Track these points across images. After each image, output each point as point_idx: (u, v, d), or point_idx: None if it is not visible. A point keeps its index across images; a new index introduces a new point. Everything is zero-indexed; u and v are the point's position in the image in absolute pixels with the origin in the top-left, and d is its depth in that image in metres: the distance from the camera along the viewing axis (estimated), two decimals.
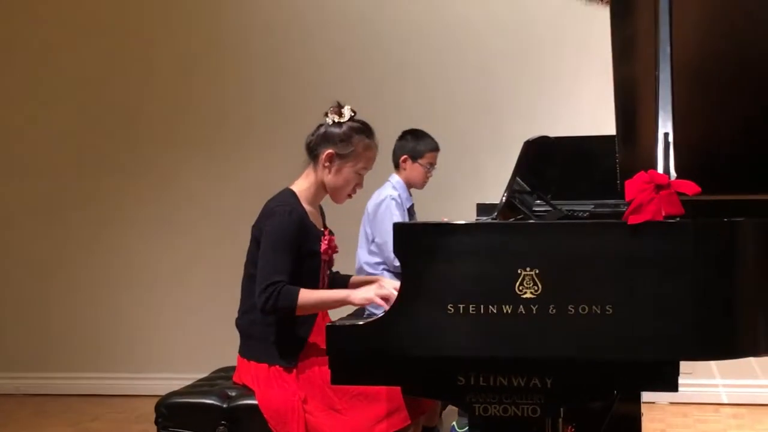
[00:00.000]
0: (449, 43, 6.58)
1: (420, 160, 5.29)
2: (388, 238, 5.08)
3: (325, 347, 3.45)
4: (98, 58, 7.02)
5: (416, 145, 5.30)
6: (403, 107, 6.41)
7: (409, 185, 5.34)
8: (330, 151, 3.67)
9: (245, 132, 6.83)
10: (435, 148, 5.35)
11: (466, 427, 5.14)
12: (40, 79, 7.09)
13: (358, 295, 3.51)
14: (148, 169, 6.95)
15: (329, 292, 3.69)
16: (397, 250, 2.91)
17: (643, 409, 4.42)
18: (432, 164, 5.34)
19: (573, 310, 2.76)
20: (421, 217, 5.45)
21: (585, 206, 4.30)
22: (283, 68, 6.78)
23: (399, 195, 5.23)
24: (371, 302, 3.47)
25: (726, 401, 6.22)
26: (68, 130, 7.05)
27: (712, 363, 6.06)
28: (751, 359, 5.91)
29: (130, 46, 7.00)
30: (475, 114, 6.51)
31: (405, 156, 5.29)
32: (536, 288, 2.77)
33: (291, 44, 6.79)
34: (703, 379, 6.06)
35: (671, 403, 6.17)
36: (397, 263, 4.92)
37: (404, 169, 5.31)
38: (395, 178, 5.32)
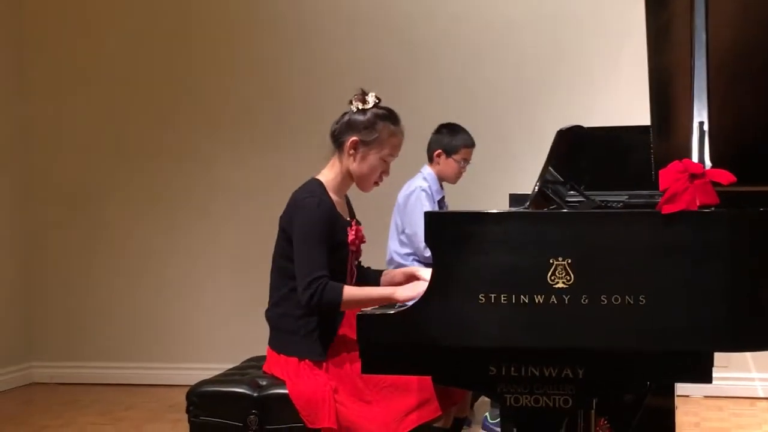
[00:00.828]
0: (485, 33, 6.56)
1: (454, 156, 5.27)
2: (417, 229, 5.08)
3: (353, 338, 3.47)
4: (137, 42, 7.05)
5: (451, 140, 5.27)
6: (438, 98, 6.40)
7: (442, 179, 5.32)
8: (354, 138, 3.65)
9: (277, 122, 6.84)
10: (470, 144, 5.31)
11: (499, 419, 5.12)
12: (76, 63, 7.13)
13: (404, 292, 3.45)
14: (186, 160, 6.98)
15: (374, 289, 3.66)
16: (429, 239, 2.89)
17: (677, 402, 4.39)
18: (466, 160, 5.31)
19: (605, 300, 2.73)
20: (454, 207, 5.43)
21: (618, 197, 4.26)
22: (318, 60, 6.77)
23: (429, 186, 5.21)
24: (416, 297, 3.42)
25: (762, 395, 6.17)
26: (104, 118, 7.09)
27: (748, 356, 6.02)
28: None
29: (171, 33, 7.03)
30: (509, 104, 6.49)
31: (439, 150, 5.27)
32: (569, 278, 2.75)
33: (326, 36, 6.79)
34: (738, 373, 6.01)
35: (706, 396, 6.12)
36: (427, 253, 4.92)
37: (437, 164, 5.28)
38: (427, 170, 5.30)
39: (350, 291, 3.50)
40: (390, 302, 3.51)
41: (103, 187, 7.10)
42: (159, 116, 7.03)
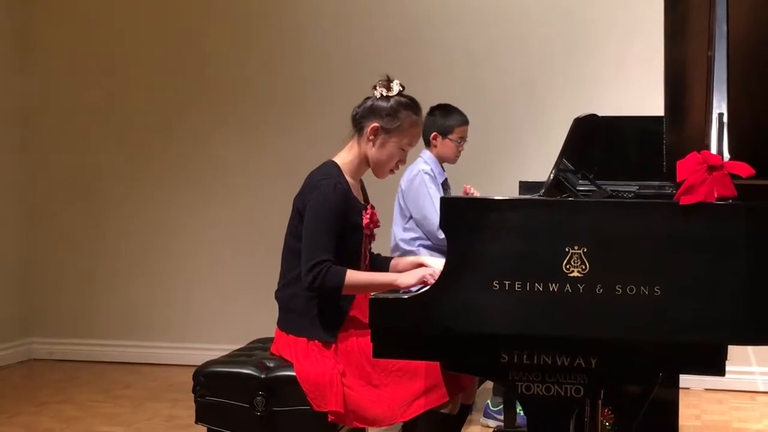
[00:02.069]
0: (496, 21, 6.54)
1: (450, 136, 5.24)
2: (426, 212, 5.05)
3: (363, 321, 3.46)
4: (142, 26, 7.03)
5: (445, 121, 5.25)
6: (448, 84, 6.38)
7: (442, 160, 5.29)
8: (376, 124, 3.63)
9: (287, 103, 6.82)
10: (464, 122, 5.29)
11: (500, 406, 5.12)
12: (80, 46, 7.10)
13: (406, 279, 3.48)
14: (190, 141, 6.96)
15: (377, 274, 3.67)
16: (444, 224, 2.87)
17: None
18: (463, 138, 5.28)
19: (620, 291, 2.72)
20: (462, 194, 5.41)
21: (629, 187, 4.25)
22: (330, 46, 6.75)
23: (432, 169, 5.19)
24: (422, 282, 3.41)
25: (762, 389, 6.18)
26: (109, 104, 7.07)
27: (749, 349, 6.03)
28: None
29: (179, 17, 7.01)
30: (518, 95, 6.47)
31: (435, 133, 5.24)
32: (584, 267, 2.73)
33: (336, 20, 6.77)
34: (739, 366, 6.02)
35: (707, 389, 6.13)
36: (441, 235, 4.89)
37: (435, 146, 5.26)
38: (426, 154, 5.27)
39: (353, 276, 3.49)
40: (392, 288, 3.54)
41: (107, 167, 7.09)
42: (163, 99, 7.00)
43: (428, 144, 5.28)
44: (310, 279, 3.46)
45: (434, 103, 5.23)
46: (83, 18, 7.12)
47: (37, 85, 7.16)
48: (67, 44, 7.13)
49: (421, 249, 5.10)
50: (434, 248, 5.05)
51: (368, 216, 3.66)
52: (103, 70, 7.07)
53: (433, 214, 4.99)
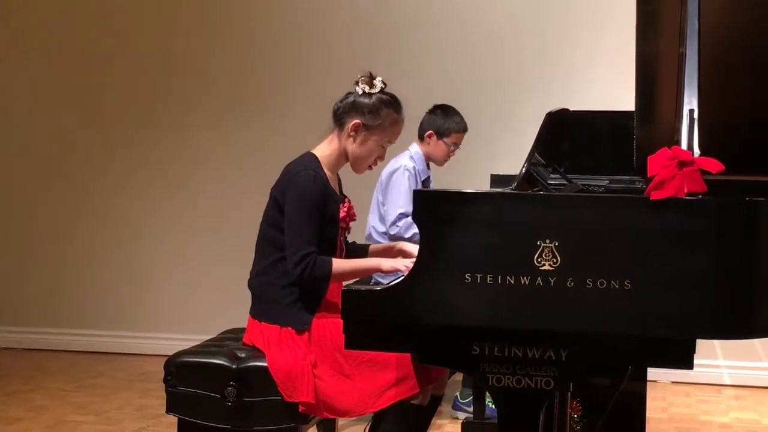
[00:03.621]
0: (467, 14, 6.55)
1: (445, 139, 5.25)
2: (389, 206, 5.09)
3: (334, 315, 3.49)
4: (115, 11, 7.00)
5: (444, 123, 5.26)
6: (418, 78, 6.39)
7: (429, 159, 5.31)
8: (357, 121, 3.65)
9: (261, 93, 6.82)
10: (463, 129, 5.30)
11: (469, 398, 5.15)
12: (51, 30, 7.07)
13: (389, 263, 3.53)
14: (159, 130, 6.94)
15: (361, 261, 3.70)
16: (417, 217, 2.89)
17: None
18: (456, 144, 5.30)
19: (591, 284, 2.74)
20: (433, 186, 5.43)
21: (599, 181, 4.28)
22: (297, 34, 6.75)
23: (414, 167, 5.20)
24: (395, 271, 3.45)
25: (728, 382, 6.24)
26: (80, 91, 7.04)
27: (716, 343, 6.08)
28: (755, 341, 5.95)
29: (146, 5, 6.97)
30: (489, 85, 6.49)
31: (431, 131, 5.25)
32: (555, 260, 2.76)
33: (314, 12, 6.76)
34: (706, 360, 6.07)
35: (673, 382, 6.18)
36: (393, 232, 4.96)
37: (428, 144, 5.27)
38: (415, 149, 5.28)
39: (339, 264, 3.54)
40: (376, 272, 3.64)
41: (76, 156, 7.06)
42: (136, 86, 6.98)
43: (421, 139, 5.29)
44: (299, 271, 3.48)
45: (405, 97, 5.23)
46: (53, 5, 7.07)
47: (4, 72, 7.12)
48: (37, 32, 7.09)
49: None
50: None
51: (345, 209, 3.68)
52: (73, 58, 7.03)
53: (393, 207, 5.04)
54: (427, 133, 5.24)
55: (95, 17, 7.01)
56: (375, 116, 3.64)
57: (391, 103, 3.68)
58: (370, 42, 6.53)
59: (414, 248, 3.71)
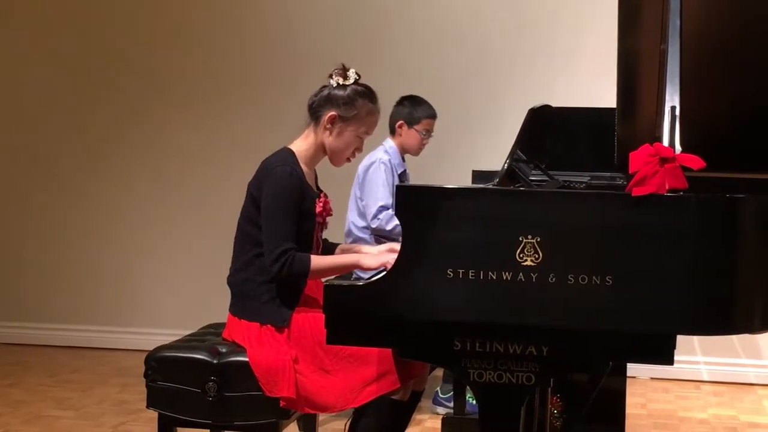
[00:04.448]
0: (448, 10, 6.55)
1: (416, 126, 5.27)
2: (369, 201, 5.10)
3: (314, 311, 3.50)
4: (90, 8, 6.96)
5: (413, 111, 5.28)
6: (399, 73, 6.39)
7: (404, 151, 5.32)
8: (333, 113, 3.64)
9: (240, 87, 6.81)
10: (432, 115, 5.32)
11: (450, 393, 5.15)
12: (24, 21, 7.03)
13: (369, 259, 3.52)
14: (137, 121, 6.93)
15: (340, 257, 3.71)
16: (399, 212, 2.90)
17: None
18: (428, 131, 5.32)
19: (573, 280, 2.75)
20: (414, 182, 5.43)
21: (581, 177, 4.30)
22: (279, 28, 6.74)
23: (390, 160, 5.21)
24: (383, 265, 3.45)
25: (707, 379, 6.27)
26: (57, 77, 7.00)
27: (695, 339, 6.11)
28: (733, 338, 5.98)
29: (138, 7, 6.94)
30: (471, 81, 6.50)
31: (401, 121, 5.27)
32: (537, 256, 2.76)
33: (287, 5, 6.75)
34: (685, 356, 6.10)
35: (652, 378, 6.21)
36: (374, 225, 4.96)
37: (400, 135, 5.29)
38: (389, 143, 5.30)
39: (317, 260, 3.53)
40: (356, 269, 3.62)
41: (55, 151, 7.02)
42: (118, 85, 6.95)
43: (393, 132, 5.30)
44: (277, 268, 3.47)
45: (383, 94, 5.23)
46: (41, 6, 7.03)
47: None
48: (6, 20, 7.04)
49: (373, 237, 5.13)
50: (377, 238, 5.09)
51: (321, 204, 3.67)
52: (62, 58, 7.00)
53: (373, 201, 5.05)
54: (398, 123, 5.26)
55: (81, 16, 6.97)
56: (350, 107, 3.64)
57: (365, 94, 3.67)
58: (351, 39, 6.52)
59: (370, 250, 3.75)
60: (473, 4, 6.51)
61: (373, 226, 5.07)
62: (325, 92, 3.68)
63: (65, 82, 7.00)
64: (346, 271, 3.64)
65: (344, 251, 3.87)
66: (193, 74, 6.86)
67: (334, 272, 3.61)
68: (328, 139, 3.67)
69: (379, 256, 3.51)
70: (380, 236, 5.07)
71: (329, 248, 3.91)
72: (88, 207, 6.99)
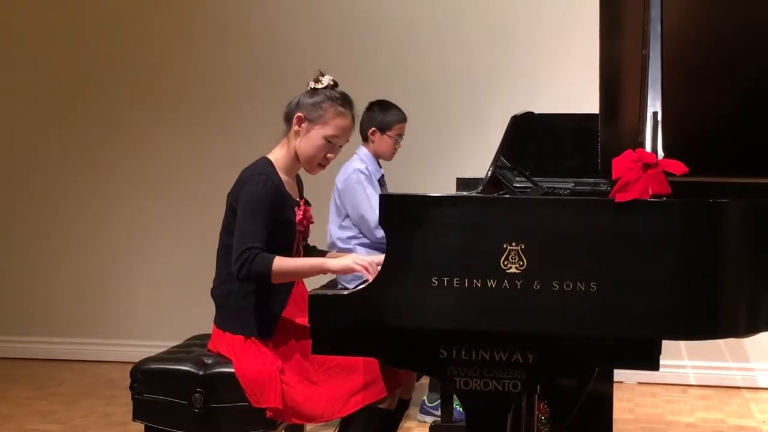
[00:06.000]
0: (432, 17, 6.55)
1: (388, 132, 5.26)
2: (363, 212, 5.07)
3: (299, 322, 3.48)
4: (74, 14, 6.95)
5: (384, 117, 5.27)
6: (381, 80, 6.38)
7: (378, 157, 5.32)
8: (299, 114, 3.64)
9: (222, 97, 6.79)
10: (403, 119, 5.32)
11: (437, 402, 5.14)
12: (3, 28, 7.01)
13: (335, 262, 3.49)
14: (119, 132, 6.90)
15: (305, 259, 3.67)
16: (383, 221, 2.89)
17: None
18: (400, 135, 5.31)
19: (557, 286, 2.75)
20: (398, 190, 5.42)
21: (565, 184, 4.30)
22: (262, 38, 6.73)
23: (366, 167, 5.20)
24: (349, 270, 3.44)
25: (694, 383, 6.28)
26: (37, 85, 6.98)
27: (681, 344, 6.11)
28: (720, 342, 5.99)
29: (113, 7, 6.93)
30: (455, 88, 6.50)
31: (373, 128, 5.26)
32: (521, 263, 2.76)
33: (268, 15, 6.74)
34: (671, 360, 6.10)
35: (639, 383, 6.21)
36: (379, 234, 4.93)
37: (372, 142, 5.28)
38: (363, 151, 5.28)
39: (280, 262, 3.45)
40: (321, 272, 3.58)
41: (41, 160, 6.99)
42: (90, 86, 6.92)
43: (365, 139, 5.30)
44: (238, 267, 3.42)
45: (370, 99, 5.25)
46: (26, 8, 7.01)
47: None
48: (2, 33, 7.03)
49: (358, 247, 5.11)
50: (372, 246, 5.07)
51: (301, 212, 3.65)
52: (36, 60, 6.97)
53: (370, 212, 5.02)
54: (370, 130, 5.25)
55: (67, 21, 6.95)
56: (316, 108, 3.62)
57: (335, 97, 3.65)
58: (334, 53, 6.50)
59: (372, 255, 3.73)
60: (458, 11, 6.51)
61: (379, 236, 5.03)
62: (297, 98, 3.68)
63: (45, 89, 6.97)
64: (313, 274, 3.56)
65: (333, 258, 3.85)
66: (176, 83, 6.85)
67: (300, 275, 3.58)
68: (298, 143, 3.66)
69: (345, 260, 3.47)
70: (370, 247, 5.07)
71: (318, 255, 3.89)
72: (72, 222, 6.96)
